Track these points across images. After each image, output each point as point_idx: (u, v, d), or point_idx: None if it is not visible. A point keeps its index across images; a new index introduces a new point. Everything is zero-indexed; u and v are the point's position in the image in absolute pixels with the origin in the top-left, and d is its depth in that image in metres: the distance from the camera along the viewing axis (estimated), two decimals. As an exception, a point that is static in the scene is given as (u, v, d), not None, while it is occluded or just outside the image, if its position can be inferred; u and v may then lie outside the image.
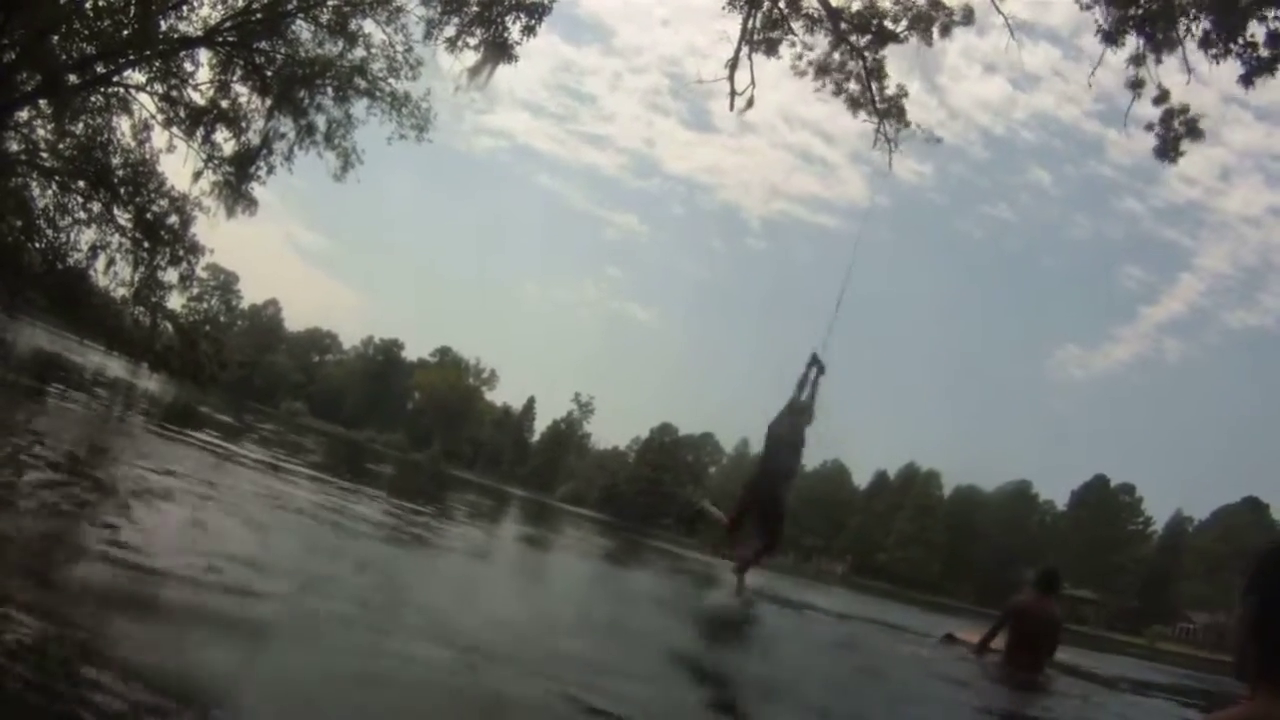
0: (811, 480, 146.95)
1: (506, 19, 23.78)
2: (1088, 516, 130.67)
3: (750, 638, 13.40)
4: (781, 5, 22.49)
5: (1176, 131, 18.30)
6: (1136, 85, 18.14)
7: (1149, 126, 18.43)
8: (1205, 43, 16.46)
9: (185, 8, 26.61)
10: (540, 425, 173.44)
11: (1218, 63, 16.44)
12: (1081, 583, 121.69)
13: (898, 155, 23.32)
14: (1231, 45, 16.04)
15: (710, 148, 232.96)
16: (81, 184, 28.28)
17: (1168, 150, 18.60)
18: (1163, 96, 18.29)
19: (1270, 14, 15.58)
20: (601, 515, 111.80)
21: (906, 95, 23.11)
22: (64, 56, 25.29)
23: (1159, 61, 17.73)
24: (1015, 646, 12.91)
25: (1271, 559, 2.69)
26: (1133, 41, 17.68)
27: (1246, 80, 16.21)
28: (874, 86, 22.66)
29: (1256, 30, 15.96)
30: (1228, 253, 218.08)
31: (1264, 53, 15.95)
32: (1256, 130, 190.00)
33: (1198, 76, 17.80)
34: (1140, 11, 17.31)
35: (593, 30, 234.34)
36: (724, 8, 22.06)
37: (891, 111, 22.91)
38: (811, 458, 16.75)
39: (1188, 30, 16.88)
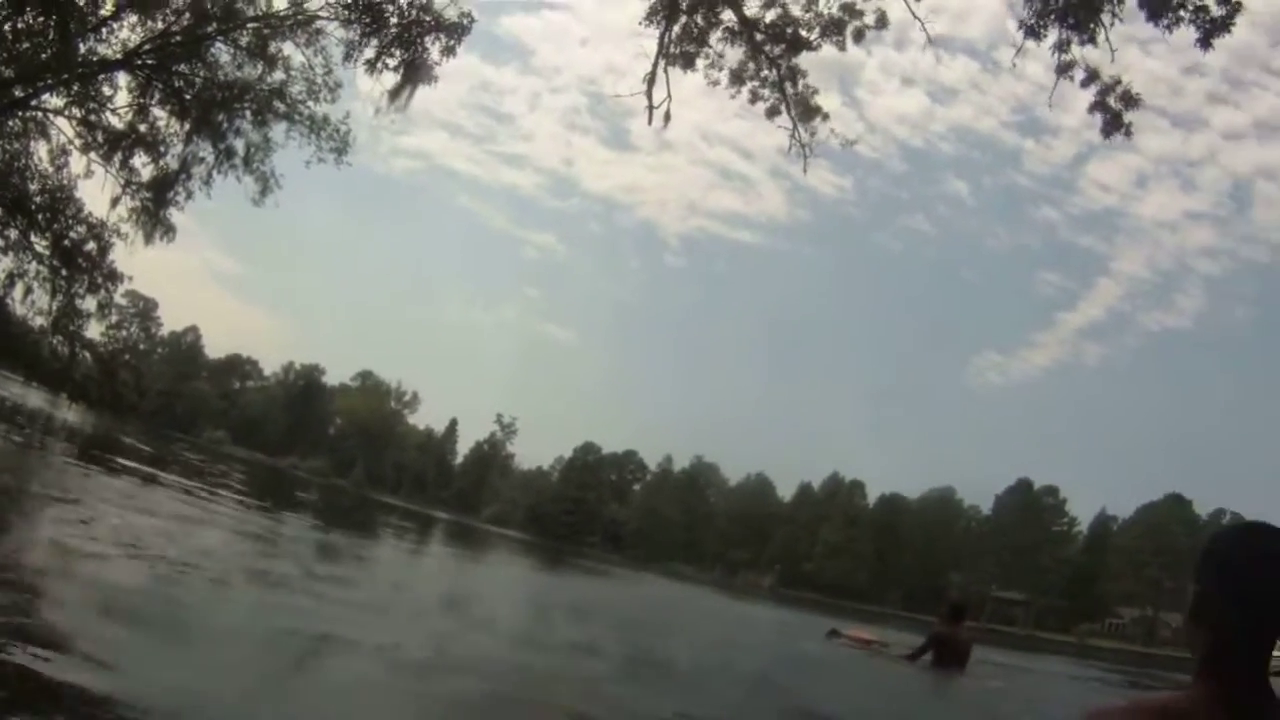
0: (736, 495, 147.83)
1: (426, 40, 23.77)
2: (1012, 520, 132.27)
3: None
4: (698, 19, 22.62)
5: (1116, 107, 18.51)
6: (1065, 69, 18.32)
7: (1091, 109, 18.59)
8: (1154, 13, 16.66)
9: (105, 30, 26.21)
10: (463, 447, 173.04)
11: (1170, 32, 16.60)
12: (1009, 585, 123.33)
13: (818, 169, 23.61)
14: (1183, 11, 16.26)
15: (629, 166, 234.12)
16: (-1, 210, 27.81)
17: (1115, 124, 18.72)
18: (1092, 76, 18.50)
19: None
20: (527, 536, 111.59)
21: (817, 92, 23.31)
22: (-20, 81, 24.91)
23: (1084, 43, 17.93)
24: (938, 662, 15.91)
25: (1219, 543, 2.75)
26: (1055, 33, 17.91)
27: (1204, 42, 16.38)
28: (789, 92, 22.85)
29: None
30: (1144, 257, 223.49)
31: (1217, 11, 16.17)
32: (1172, 137, 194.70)
33: (1117, 62, 18.14)
34: (1061, 2, 17.57)
35: (511, 50, 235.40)
36: (641, 23, 22.12)
37: (807, 114, 23.11)
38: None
39: (1113, 16, 17.17)
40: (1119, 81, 18.54)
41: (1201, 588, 2.67)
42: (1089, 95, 18.62)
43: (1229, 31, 16.16)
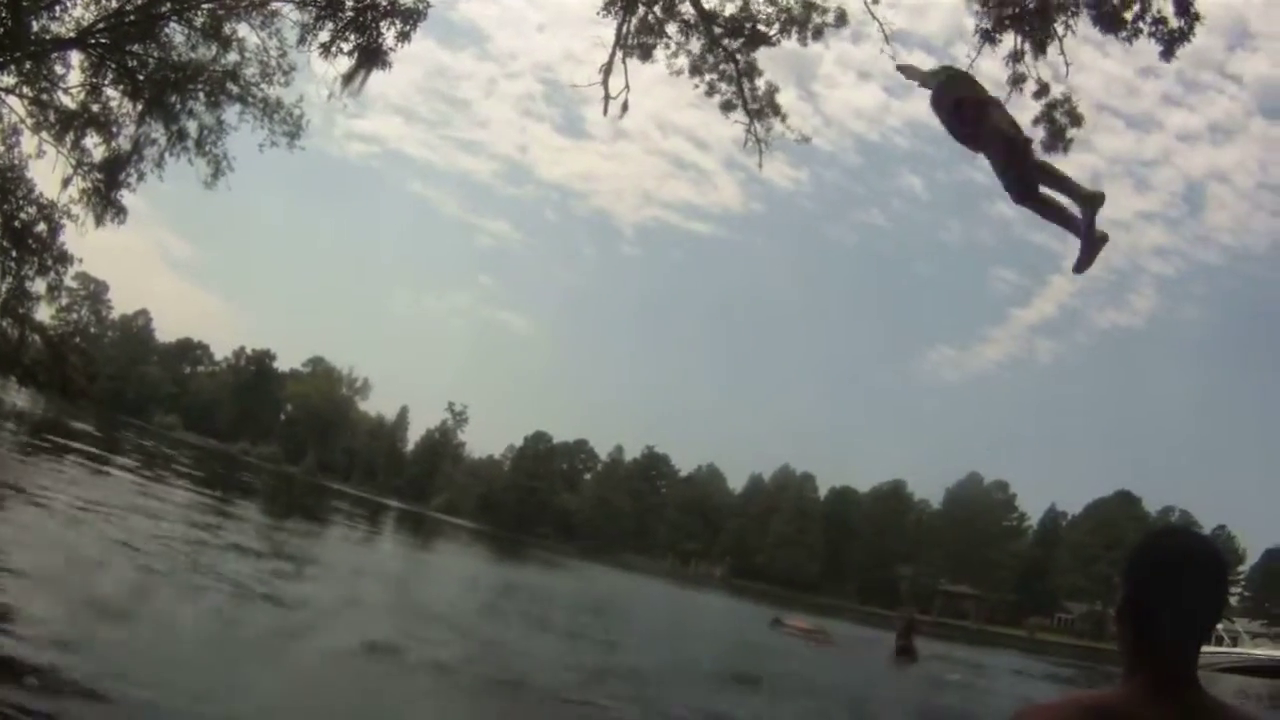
0: (687, 485, 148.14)
1: (382, 24, 23.57)
2: (963, 514, 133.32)
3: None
4: (657, 10, 22.57)
5: (1061, 123, 18.70)
6: (1017, 81, 18.47)
7: (1035, 121, 18.78)
8: (1108, 28, 16.83)
9: (57, 8, 25.87)
10: (414, 435, 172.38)
11: (1130, 43, 16.79)
12: (959, 578, 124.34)
13: (773, 161, 23.61)
14: (1140, 24, 16.42)
15: (584, 154, 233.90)
16: (-53, 191, 27.44)
17: (1057, 141, 18.93)
18: (1043, 90, 18.66)
19: None
20: (478, 525, 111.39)
21: (778, 91, 23.34)
22: (-69, 59, 24.56)
23: (1037, 58, 18.10)
24: None
25: (1141, 551, 2.85)
26: (1010, 39, 18.05)
27: (1166, 53, 16.59)
28: (746, 87, 22.86)
29: (1165, 5, 16.33)
30: (1098, 256, 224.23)
31: (1176, 23, 16.33)
32: (1126, 137, 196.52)
33: (1069, 88, 18.32)
34: (1017, 10, 17.69)
35: (467, 35, 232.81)
36: (599, 13, 22.03)
37: (764, 111, 23.13)
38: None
39: (1066, 27, 17.32)
40: (1069, 99, 18.75)
41: (1130, 590, 2.77)
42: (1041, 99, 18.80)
43: (1189, 41, 16.36)
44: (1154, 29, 16.38)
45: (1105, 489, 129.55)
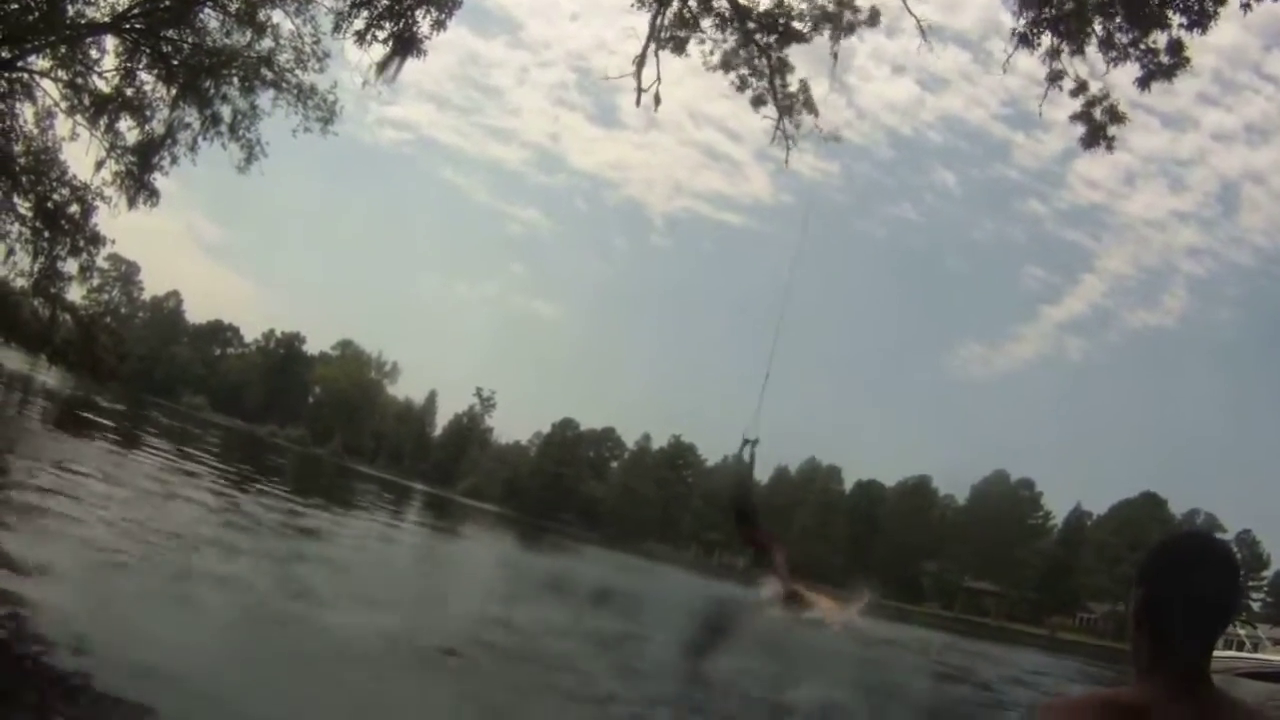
0: (712, 475, 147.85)
1: (417, 13, 23.59)
2: (988, 511, 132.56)
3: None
4: (691, 4, 22.55)
5: (1100, 120, 18.53)
6: (1055, 78, 18.31)
7: (1074, 117, 18.61)
8: (1106, 44, 16.79)
9: (93, -7, 26.10)
10: (442, 419, 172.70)
11: (1116, 65, 16.76)
12: (983, 575, 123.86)
13: (803, 154, 23.52)
14: (1131, 50, 16.38)
15: (616, 143, 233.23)
16: (-19, 172, 27.65)
17: (1096, 137, 18.77)
18: (1081, 88, 18.50)
19: (1175, 19, 15.89)
20: (503, 510, 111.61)
21: (809, 92, 23.29)
22: (-34, 42, 24.75)
23: (1076, 54, 17.96)
24: None
25: (1157, 553, 2.93)
26: (1048, 39, 17.91)
27: (1143, 83, 16.52)
28: (777, 84, 22.81)
29: (1159, 38, 16.28)
30: (1130, 255, 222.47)
31: (1164, 59, 16.30)
32: (1161, 136, 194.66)
33: (1105, 80, 18.16)
34: (1053, 12, 17.56)
35: (501, 23, 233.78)
36: (633, 4, 22.00)
37: (794, 109, 23.08)
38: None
39: (1096, 33, 17.19)
40: (1106, 95, 18.57)
41: (1146, 591, 2.84)
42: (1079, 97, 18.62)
43: (1171, 80, 16.34)
44: (1142, 55, 16.36)
45: (1131, 490, 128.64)
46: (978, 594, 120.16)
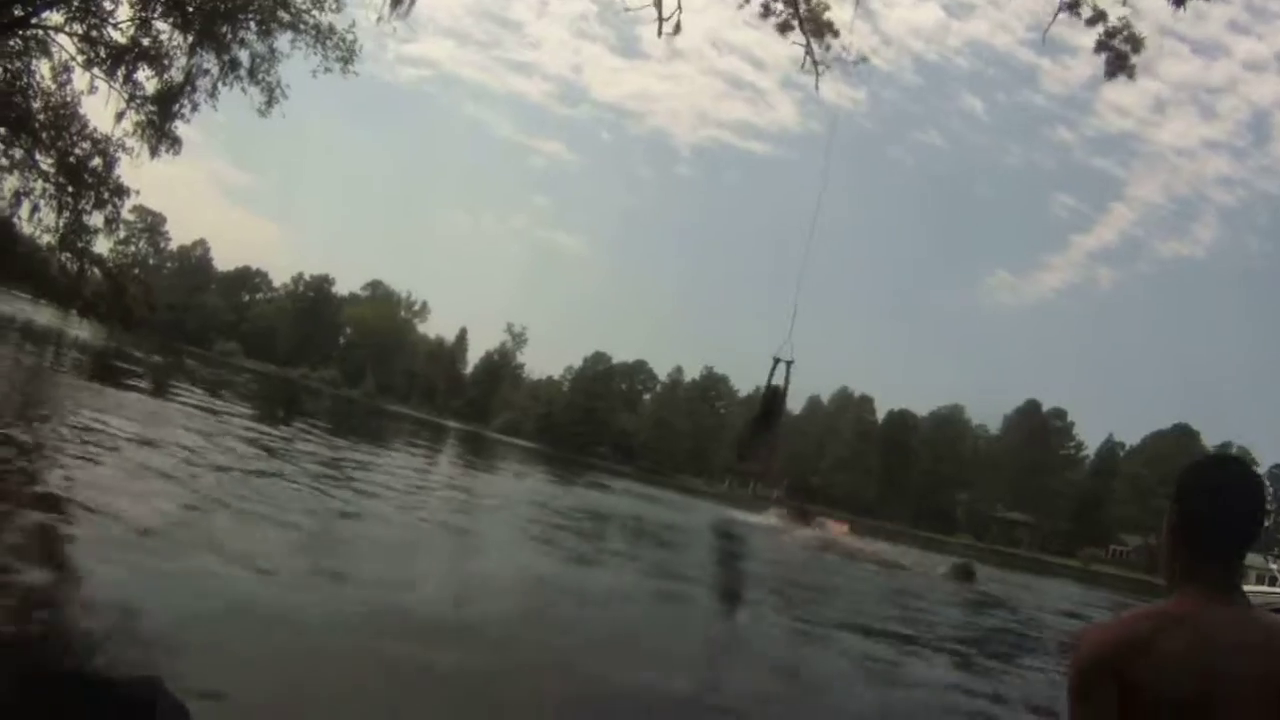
0: (745, 406, 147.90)
1: (430, -54, 23.22)
2: (1020, 441, 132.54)
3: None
4: (711, -71, 22.12)
5: (1121, 49, 18.13)
6: (1074, 6, 17.95)
7: (1097, 48, 18.24)
8: None
9: (104, -55, 25.89)
10: (473, 357, 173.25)
11: None
12: (1015, 506, 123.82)
13: (831, 81, 23.13)
14: None
15: (639, 74, 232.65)
16: (2, 130, 27.56)
17: (1118, 69, 18.40)
18: (1098, 17, 18.11)
19: None
20: (538, 446, 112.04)
21: (829, 8, 22.83)
22: (-21, 0, 24.60)
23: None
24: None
25: (1192, 471, 3.09)
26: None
27: (1178, 0, 16.18)
28: (801, 6, 22.39)
29: None
30: (1160, 183, 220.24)
31: None
32: (1192, 63, 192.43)
33: (1134, 9, 17.74)
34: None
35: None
36: (650, -68, 21.59)
37: (820, 31, 22.65)
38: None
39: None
40: (1127, 26, 18.15)
41: (1179, 507, 3.02)
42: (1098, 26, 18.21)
43: None
44: None
45: (1164, 421, 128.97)
46: (1010, 524, 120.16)
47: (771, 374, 20.49)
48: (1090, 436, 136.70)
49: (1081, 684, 2.88)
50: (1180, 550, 2.98)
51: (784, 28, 22.59)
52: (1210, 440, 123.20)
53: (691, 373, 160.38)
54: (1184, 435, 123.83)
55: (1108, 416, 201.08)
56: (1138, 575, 79.94)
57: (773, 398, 21.38)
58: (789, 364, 19.92)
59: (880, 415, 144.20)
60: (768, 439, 21.76)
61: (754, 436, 21.98)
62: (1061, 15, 18.13)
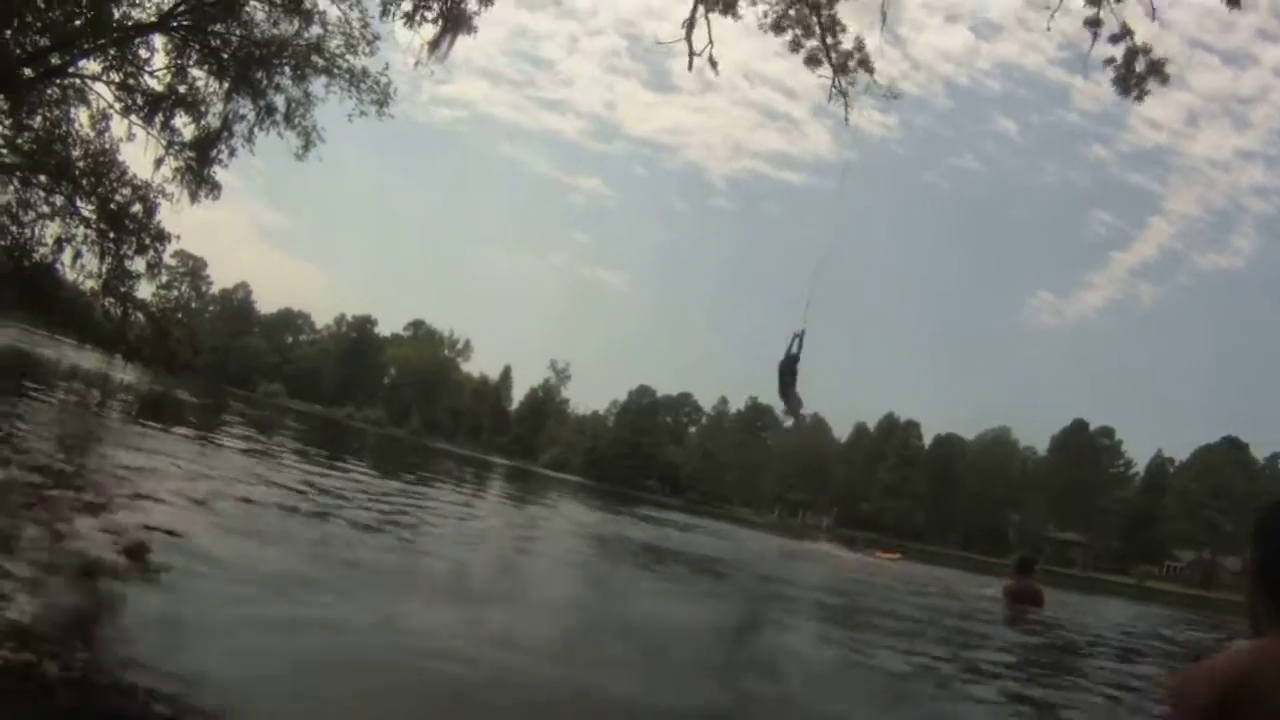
0: (792, 436, 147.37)
1: (463, -9, 23.37)
2: (1068, 461, 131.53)
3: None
4: (736, -37, 22.11)
5: (1138, 70, 18.06)
6: (1095, 24, 17.91)
7: (1108, 61, 18.18)
8: None
9: (138, -6, 26.21)
10: (518, 393, 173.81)
11: None
12: (1066, 526, 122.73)
13: (861, 108, 23.10)
14: None
15: (671, 108, 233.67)
16: (43, 178, 27.82)
17: (1129, 86, 18.35)
18: (1122, 34, 18.05)
19: None
20: (586, 480, 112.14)
21: (864, 50, 22.80)
22: (17, 50, 24.89)
23: (1119, 0, 17.49)
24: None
25: (1270, 515, 3.05)
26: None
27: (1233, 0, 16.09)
28: (829, 41, 22.36)
29: None
30: (1197, 196, 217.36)
31: None
32: (1223, 74, 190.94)
33: (1162, 23, 17.67)
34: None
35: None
36: (677, -33, 21.71)
37: (848, 66, 22.61)
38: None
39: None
40: (1149, 49, 18.08)
41: (1260, 554, 3.01)
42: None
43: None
44: None
45: (1211, 435, 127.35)
46: (1063, 544, 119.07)
47: (789, 346, 20.83)
48: (1139, 453, 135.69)
49: (1195, 711, 2.84)
50: (1263, 594, 2.97)
51: (812, 61, 22.61)
52: (1259, 452, 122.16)
53: (736, 404, 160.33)
54: (1232, 448, 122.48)
55: (1155, 432, 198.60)
56: (1193, 591, 78.90)
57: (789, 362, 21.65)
58: (801, 334, 20.40)
59: (927, 440, 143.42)
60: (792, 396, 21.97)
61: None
62: (1088, 16, 18.08)
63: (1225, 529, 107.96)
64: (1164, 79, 18.24)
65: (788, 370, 20.51)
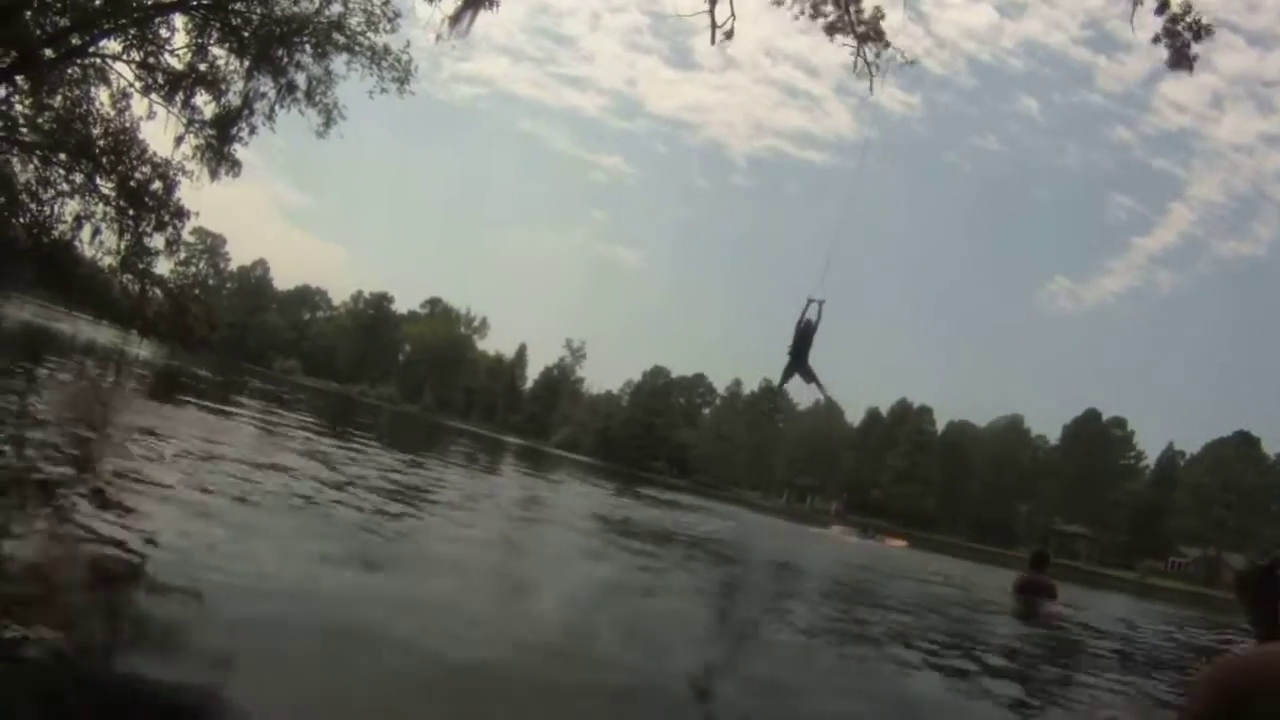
0: (804, 419, 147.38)
1: (487, -36, 23.39)
2: (1079, 451, 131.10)
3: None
4: (761, -66, 22.14)
5: (1185, 38, 18.00)
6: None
7: (1155, 39, 18.12)
8: None
9: (159, -26, 26.43)
10: (533, 372, 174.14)
11: None
12: (1074, 517, 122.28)
13: (884, 86, 23.08)
14: None
15: (693, 85, 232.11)
16: (63, 156, 28.08)
17: (1181, 59, 18.29)
18: (1164, 5, 18.00)
19: None
20: (596, 460, 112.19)
21: (883, 17, 22.79)
22: (39, 31, 25.09)
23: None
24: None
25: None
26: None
27: None
28: (851, 9, 22.38)
29: None
30: (1220, 181, 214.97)
31: None
32: (1248, 55, 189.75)
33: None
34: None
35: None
36: (700, -61, 21.66)
37: (870, 34, 22.61)
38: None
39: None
40: (1189, 10, 18.03)
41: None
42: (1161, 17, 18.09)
43: None
44: None
45: (1224, 429, 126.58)
46: (1069, 537, 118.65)
47: (804, 312, 20.67)
48: (1151, 445, 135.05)
49: (1212, 710, 3.05)
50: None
51: (833, 29, 22.61)
52: (1271, 446, 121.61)
53: (750, 385, 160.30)
54: (1245, 442, 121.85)
55: (1169, 423, 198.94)
56: (1195, 588, 78.56)
57: (805, 331, 21.47)
58: (821, 303, 20.14)
59: (940, 426, 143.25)
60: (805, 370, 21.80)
61: (787, 371, 21.81)
62: (1119, 8, 18.04)
63: (1232, 525, 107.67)
64: (1208, 33, 18.14)
65: (804, 341, 20.52)
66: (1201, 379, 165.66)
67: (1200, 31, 18.13)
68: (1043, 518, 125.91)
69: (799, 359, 20.39)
